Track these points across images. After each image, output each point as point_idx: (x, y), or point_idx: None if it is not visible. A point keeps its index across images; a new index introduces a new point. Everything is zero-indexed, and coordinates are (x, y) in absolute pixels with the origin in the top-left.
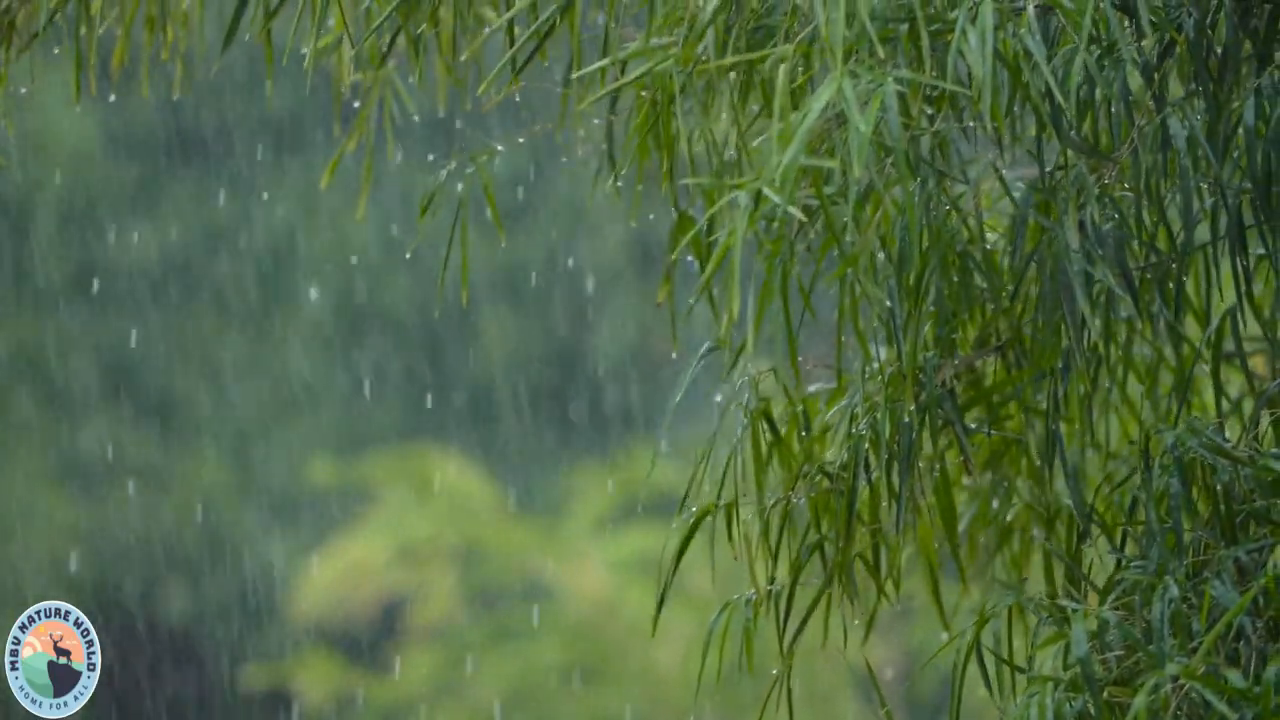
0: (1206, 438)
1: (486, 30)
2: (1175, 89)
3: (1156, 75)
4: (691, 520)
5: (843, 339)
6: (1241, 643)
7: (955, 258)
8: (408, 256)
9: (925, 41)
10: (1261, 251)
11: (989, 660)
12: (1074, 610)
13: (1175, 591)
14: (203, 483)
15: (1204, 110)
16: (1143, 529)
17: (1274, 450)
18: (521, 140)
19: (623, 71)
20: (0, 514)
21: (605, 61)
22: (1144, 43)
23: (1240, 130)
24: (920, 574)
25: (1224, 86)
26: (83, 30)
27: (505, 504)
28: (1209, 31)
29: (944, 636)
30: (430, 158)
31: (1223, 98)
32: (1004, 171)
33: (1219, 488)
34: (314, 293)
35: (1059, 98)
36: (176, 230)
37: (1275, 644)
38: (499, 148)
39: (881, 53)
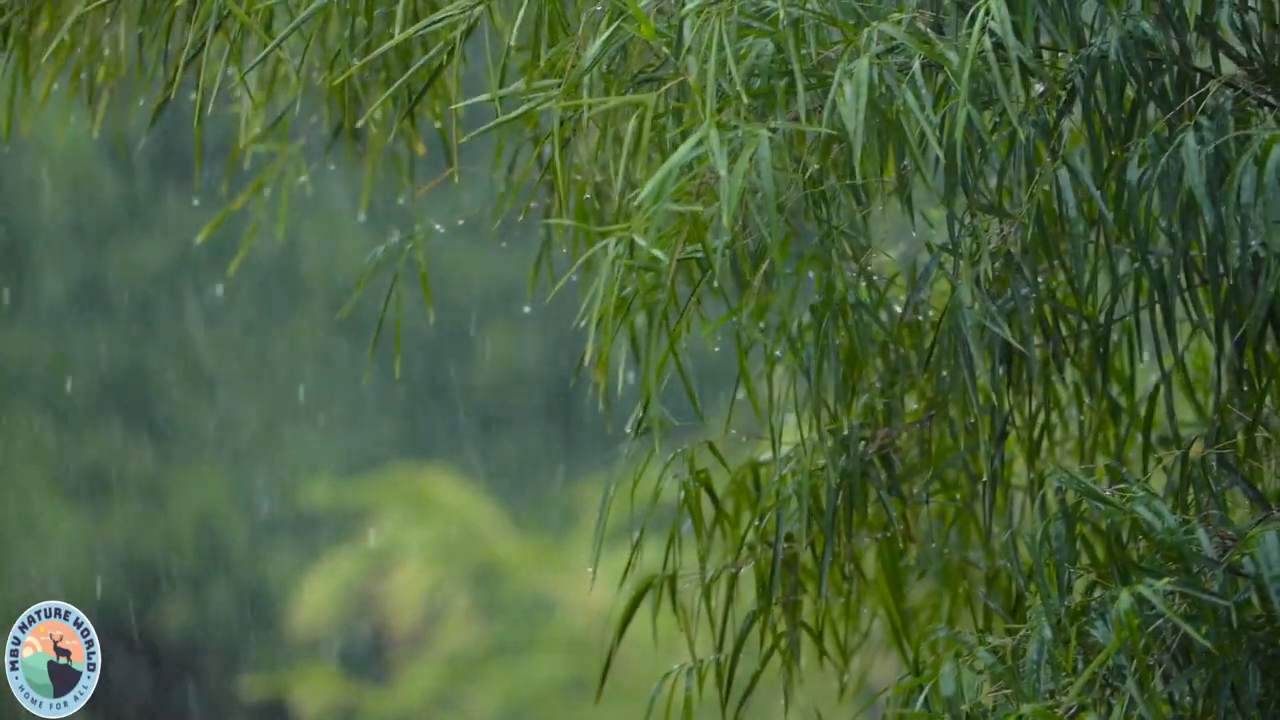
0: (1081, 482)
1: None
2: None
3: (1053, 133)
4: (633, 593)
5: (762, 406)
6: (1121, 682)
7: (847, 309)
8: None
9: (801, 94)
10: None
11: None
12: (961, 648)
13: (1048, 633)
14: (202, 497)
15: (1096, 167)
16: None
17: (1142, 495)
18: (462, 222)
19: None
20: (1, 528)
21: (484, 97)
22: (1038, 101)
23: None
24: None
25: (1125, 144)
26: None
27: (507, 518)
28: (1104, 90)
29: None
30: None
31: (1115, 156)
32: (915, 233)
33: (1106, 532)
34: (313, 307)
35: (937, 150)
36: (175, 245)
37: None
38: (438, 227)
39: (745, 110)
